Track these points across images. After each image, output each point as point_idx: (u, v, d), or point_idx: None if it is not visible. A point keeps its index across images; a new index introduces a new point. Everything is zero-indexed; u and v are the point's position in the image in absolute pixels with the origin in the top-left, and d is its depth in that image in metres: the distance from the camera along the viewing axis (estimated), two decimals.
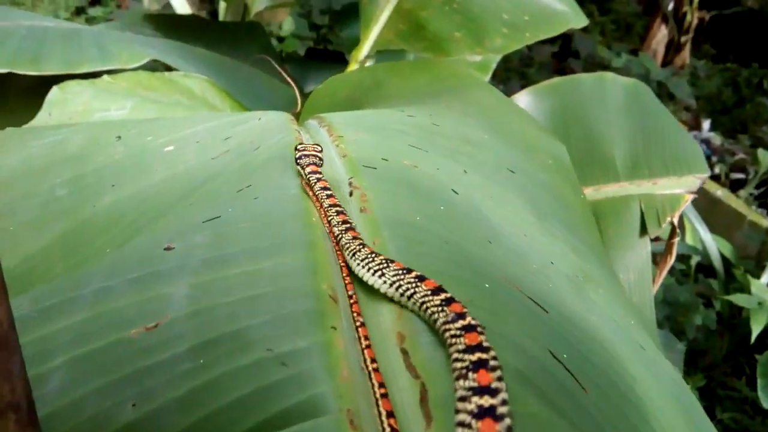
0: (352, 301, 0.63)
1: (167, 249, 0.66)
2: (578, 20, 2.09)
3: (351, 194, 0.77)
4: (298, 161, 0.83)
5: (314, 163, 0.82)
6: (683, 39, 6.85)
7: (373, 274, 0.63)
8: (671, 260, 2.05)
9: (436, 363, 0.55)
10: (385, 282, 0.62)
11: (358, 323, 0.60)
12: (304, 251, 0.66)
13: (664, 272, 2.06)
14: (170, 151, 1.04)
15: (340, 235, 0.69)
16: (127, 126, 1.15)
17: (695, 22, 6.84)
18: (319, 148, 0.87)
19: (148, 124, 1.15)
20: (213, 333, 0.55)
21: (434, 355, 0.56)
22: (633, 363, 0.72)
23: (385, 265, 0.62)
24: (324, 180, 0.78)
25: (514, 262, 0.72)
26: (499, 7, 1.99)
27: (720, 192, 4.71)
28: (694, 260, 3.59)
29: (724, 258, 3.40)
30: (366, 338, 0.58)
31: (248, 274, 0.62)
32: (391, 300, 0.62)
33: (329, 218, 0.73)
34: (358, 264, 0.64)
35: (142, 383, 0.53)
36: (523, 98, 2.04)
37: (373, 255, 0.64)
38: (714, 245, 3.36)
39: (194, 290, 0.59)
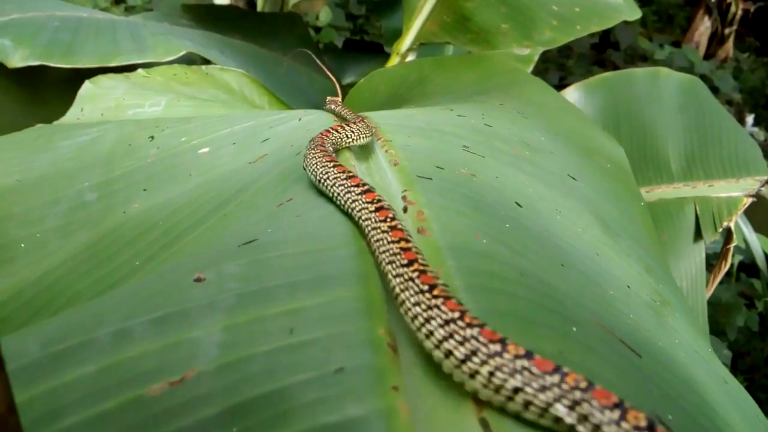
0: None
1: (197, 280, 0.56)
2: (632, 13, 1.99)
3: (405, 210, 0.68)
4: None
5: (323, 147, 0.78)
6: (727, 31, 6.65)
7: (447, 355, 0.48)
8: (726, 267, 1.95)
9: None
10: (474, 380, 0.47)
11: None
12: (356, 286, 0.55)
13: (718, 279, 1.96)
14: (205, 153, 0.98)
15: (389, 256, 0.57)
16: (161, 125, 1.08)
17: (740, 13, 6.64)
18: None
19: (182, 123, 1.09)
20: (248, 394, 0.45)
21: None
22: (723, 405, 0.64)
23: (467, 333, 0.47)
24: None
25: (591, 291, 0.63)
26: None
27: (764, 189, 4.56)
28: (737, 259, 3.46)
29: (767, 257, 3.28)
30: None
31: (290, 313, 0.52)
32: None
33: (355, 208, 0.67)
34: (421, 335, 0.51)
35: None
36: (573, 94, 1.95)
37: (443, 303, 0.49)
38: (757, 244, 3.23)
39: (226, 334, 0.50)
